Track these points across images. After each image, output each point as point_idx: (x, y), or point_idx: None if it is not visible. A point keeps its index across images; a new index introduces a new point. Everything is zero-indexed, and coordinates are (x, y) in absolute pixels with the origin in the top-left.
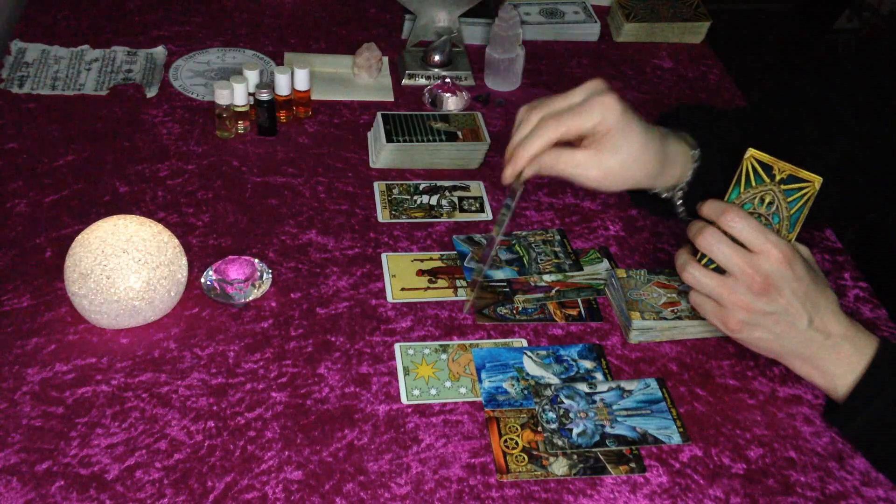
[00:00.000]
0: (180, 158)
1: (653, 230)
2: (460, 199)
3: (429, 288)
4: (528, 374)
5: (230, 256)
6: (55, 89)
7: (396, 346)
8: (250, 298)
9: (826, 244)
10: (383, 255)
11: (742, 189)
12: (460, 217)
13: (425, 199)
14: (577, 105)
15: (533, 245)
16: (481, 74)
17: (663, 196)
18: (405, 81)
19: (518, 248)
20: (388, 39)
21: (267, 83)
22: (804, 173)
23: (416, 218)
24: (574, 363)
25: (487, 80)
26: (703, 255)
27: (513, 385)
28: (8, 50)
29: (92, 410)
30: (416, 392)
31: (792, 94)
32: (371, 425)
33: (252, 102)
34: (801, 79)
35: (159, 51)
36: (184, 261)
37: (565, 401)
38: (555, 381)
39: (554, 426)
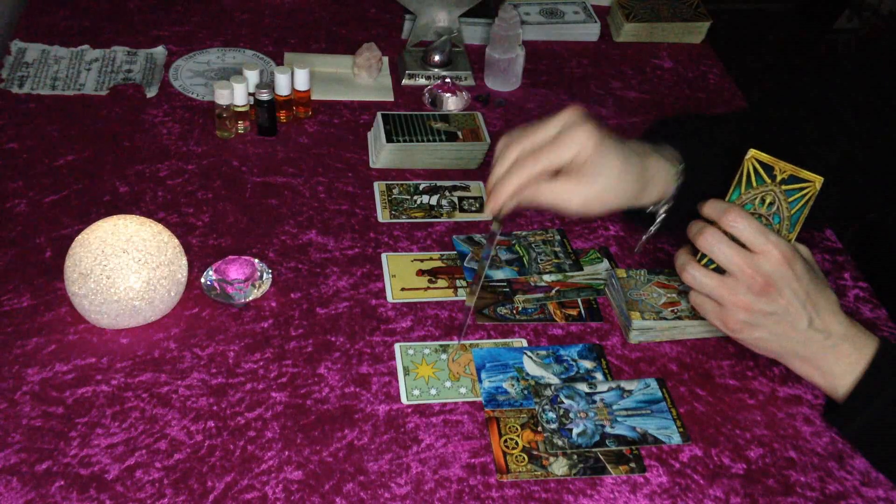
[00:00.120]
0: (180, 158)
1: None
2: (460, 199)
3: (429, 288)
4: (528, 374)
5: (230, 256)
6: (55, 89)
7: (396, 346)
8: (250, 298)
9: (826, 244)
10: (383, 255)
11: (743, 190)
12: (460, 217)
13: (425, 199)
14: (553, 138)
15: (533, 245)
16: (481, 74)
17: (648, 211)
18: (405, 81)
19: (518, 248)
20: (388, 39)
21: (267, 83)
22: (805, 173)
23: (416, 218)
24: (574, 363)
25: (487, 80)
26: (703, 255)
27: (513, 385)
28: (8, 50)
29: (92, 410)
30: (416, 392)
31: (792, 94)
32: (371, 425)
33: (252, 102)
34: (801, 79)
35: (159, 51)
36: (184, 261)
37: (565, 401)
38: (555, 381)
39: (554, 426)
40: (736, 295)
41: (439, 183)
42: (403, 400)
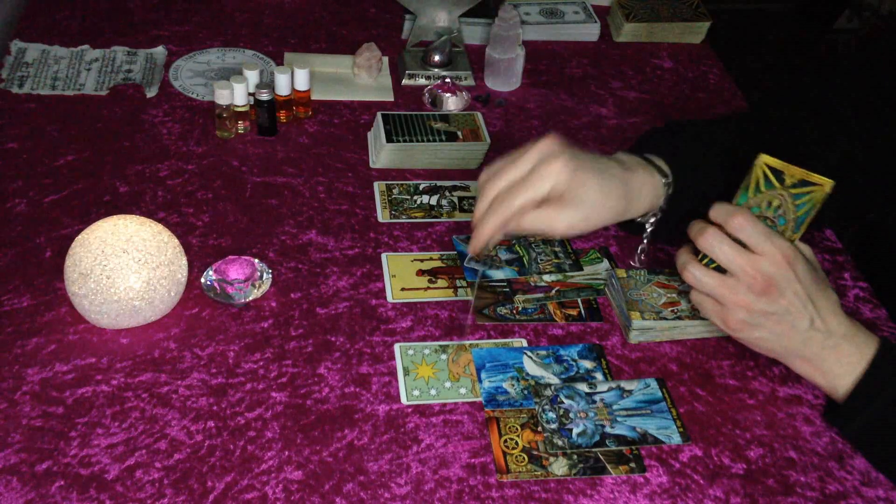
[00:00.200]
0: (180, 158)
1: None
2: (460, 199)
3: (429, 288)
4: (528, 374)
5: (230, 256)
6: (55, 89)
7: (396, 347)
8: (250, 298)
9: (826, 244)
10: (383, 255)
11: (751, 194)
12: (460, 217)
13: (425, 199)
14: (528, 173)
15: (533, 245)
16: (481, 74)
17: (637, 221)
18: (405, 81)
19: (518, 248)
20: (388, 39)
21: (267, 83)
22: (815, 177)
23: (416, 218)
24: (574, 363)
25: (487, 80)
26: (705, 254)
27: (513, 385)
28: (8, 50)
29: (92, 410)
30: (416, 392)
31: (792, 94)
32: (371, 425)
33: (252, 102)
34: (801, 79)
35: (159, 51)
36: (184, 261)
37: (565, 401)
38: (555, 381)
39: (554, 426)
40: (737, 294)
41: (439, 183)
42: (403, 400)
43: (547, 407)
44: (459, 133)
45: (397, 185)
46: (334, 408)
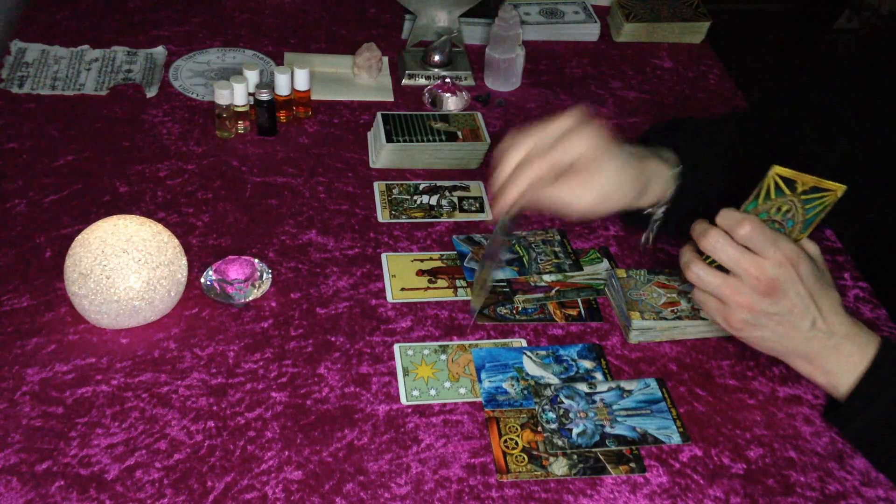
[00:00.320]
0: (180, 158)
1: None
2: (460, 199)
3: (429, 288)
4: (527, 374)
5: (230, 256)
6: (55, 89)
7: (396, 347)
8: (250, 298)
9: (826, 244)
10: (383, 255)
11: (761, 202)
12: (460, 217)
13: (425, 199)
14: (559, 139)
15: (533, 245)
16: (481, 74)
17: (645, 212)
18: (405, 81)
19: (518, 248)
20: (388, 39)
21: (267, 83)
22: (827, 183)
23: (416, 218)
24: (574, 363)
25: (487, 80)
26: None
27: (513, 385)
28: (8, 50)
29: (92, 410)
30: (416, 392)
31: (792, 94)
32: (371, 425)
33: (252, 102)
34: (801, 79)
35: (159, 51)
36: (184, 261)
37: (565, 401)
38: (554, 381)
39: (554, 426)
40: (739, 295)
41: (439, 183)
42: (403, 400)
43: (547, 407)
44: (459, 133)
45: (397, 185)
46: (334, 408)
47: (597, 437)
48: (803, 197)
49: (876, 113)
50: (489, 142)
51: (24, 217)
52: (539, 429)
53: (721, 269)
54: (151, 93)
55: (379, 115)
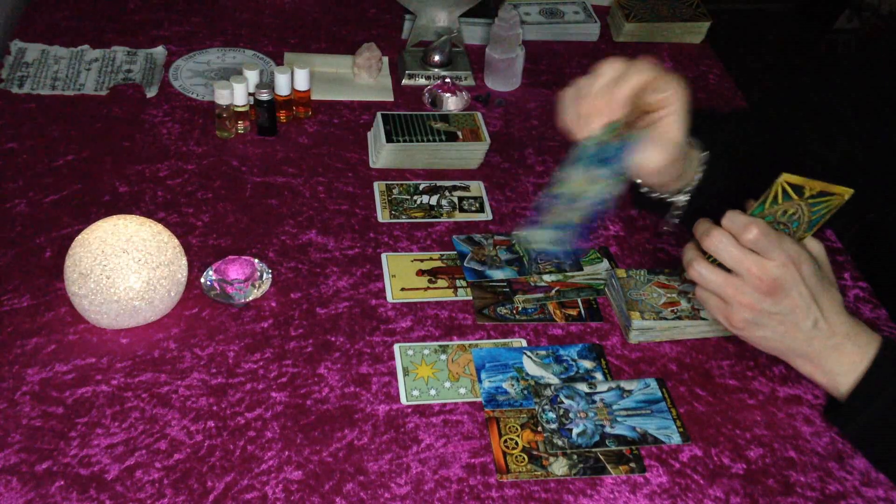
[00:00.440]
0: (180, 158)
1: (653, 230)
2: (460, 199)
3: (429, 288)
4: (527, 374)
5: (230, 256)
6: (55, 89)
7: (396, 347)
8: (250, 298)
9: (826, 244)
10: (383, 255)
11: (767, 206)
12: (460, 217)
13: (425, 199)
14: (659, 74)
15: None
16: (481, 74)
17: (668, 200)
18: (405, 81)
19: (518, 248)
20: (388, 39)
21: (267, 83)
22: (835, 188)
23: (416, 218)
24: (574, 363)
25: (487, 80)
26: None
27: (513, 385)
28: (8, 50)
29: (92, 410)
30: (416, 392)
31: (792, 94)
32: (371, 425)
33: (252, 102)
34: (801, 79)
35: (159, 51)
36: (184, 261)
37: (565, 401)
38: (554, 381)
39: (554, 426)
40: (742, 294)
41: (439, 183)
42: (403, 400)
43: (547, 407)
44: (459, 133)
45: (397, 185)
46: (334, 408)
47: (597, 437)
48: (811, 201)
49: (876, 113)
50: (489, 142)
51: (24, 217)
52: (539, 429)
53: (723, 267)
54: (151, 93)
55: (379, 115)
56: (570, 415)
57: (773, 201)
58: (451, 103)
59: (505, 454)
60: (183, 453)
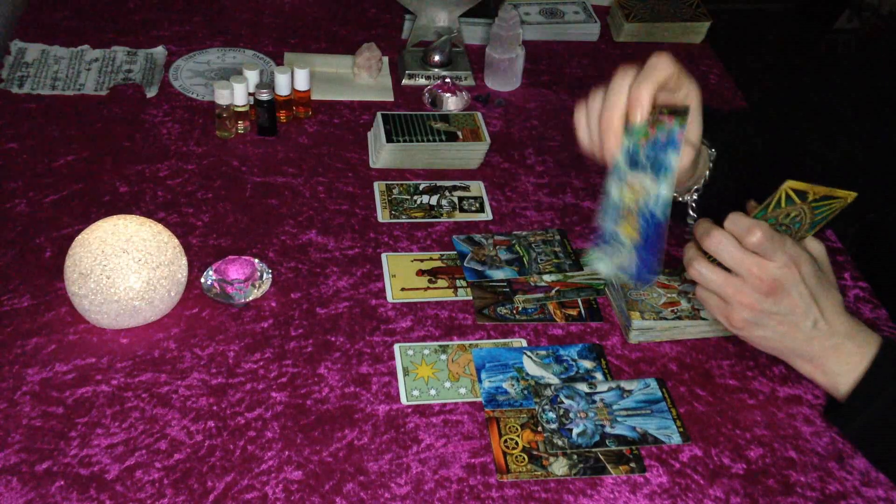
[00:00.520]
0: (180, 158)
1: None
2: (460, 199)
3: (429, 288)
4: (527, 374)
5: (230, 256)
6: (55, 89)
7: (396, 347)
8: (250, 298)
9: (826, 244)
10: (383, 255)
11: (770, 210)
12: (460, 217)
13: (425, 199)
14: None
15: (533, 245)
16: (481, 74)
17: (679, 199)
18: (405, 81)
19: (518, 248)
20: (388, 39)
21: (267, 83)
22: (839, 192)
23: (416, 218)
24: (574, 363)
25: (487, 80)
26: None
27: (513, 385)
28: (8, 50)
29: (92, 410)
30: (416, 392)
31: (792, 94)
32: (371, 425)
33: (252, 102)
34: (801, 79)
35: (159, 51)
36: (184, 261)
37: (565, 401)
38: (555, 381)
39: (554, 426)
40: (742, 294)
41: (439, 183)
42: (403, 400)
43: (547, 407)
44: (459, 133)
45: (397, 185)
46: (334, 408)
47: (597, 437)
48: (813, 204)
49: (876, 113)
50: (489, 142)
51: (24, 217)
52: (539, 429)
53: (723, 267)
54: (151, 93)
55: (379, 115)
56: (571, 415)
57: (777, 206)
58: (451, 103)
59: (505, 454)
60: (183, 453)
